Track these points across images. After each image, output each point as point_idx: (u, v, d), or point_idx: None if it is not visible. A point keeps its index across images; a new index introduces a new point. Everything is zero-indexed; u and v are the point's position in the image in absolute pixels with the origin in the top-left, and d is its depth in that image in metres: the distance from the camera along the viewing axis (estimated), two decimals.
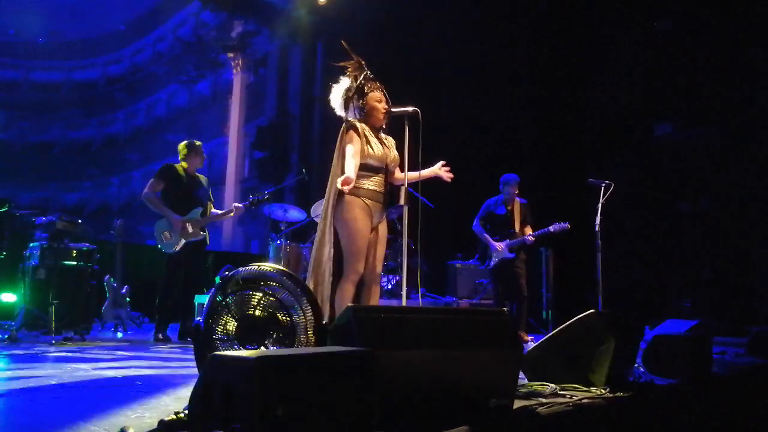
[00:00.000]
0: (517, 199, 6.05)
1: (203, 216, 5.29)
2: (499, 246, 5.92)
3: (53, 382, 2.79)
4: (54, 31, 18.41)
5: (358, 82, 3.54)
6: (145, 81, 20.34)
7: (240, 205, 5.45)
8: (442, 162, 3.71)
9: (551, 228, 5.80)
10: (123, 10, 18.72)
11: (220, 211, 5.59)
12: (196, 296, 5.87)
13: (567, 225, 5.76)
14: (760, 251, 6.77)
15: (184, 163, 5.36)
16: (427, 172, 3.66)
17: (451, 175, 3.69)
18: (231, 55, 16.82)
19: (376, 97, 3.56)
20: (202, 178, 5.53)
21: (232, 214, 5.47)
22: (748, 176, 6.95)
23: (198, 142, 5.48)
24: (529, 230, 5.92)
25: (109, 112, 20.90)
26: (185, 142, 5.46)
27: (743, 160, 7.02)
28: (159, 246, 5.21)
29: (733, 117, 7.12)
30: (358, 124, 3.49)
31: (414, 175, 3.59)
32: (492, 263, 5.99)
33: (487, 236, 6.02)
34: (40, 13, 17.10)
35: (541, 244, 6.76)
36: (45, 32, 18.25)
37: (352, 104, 3.56)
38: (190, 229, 5.18)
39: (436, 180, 3.76)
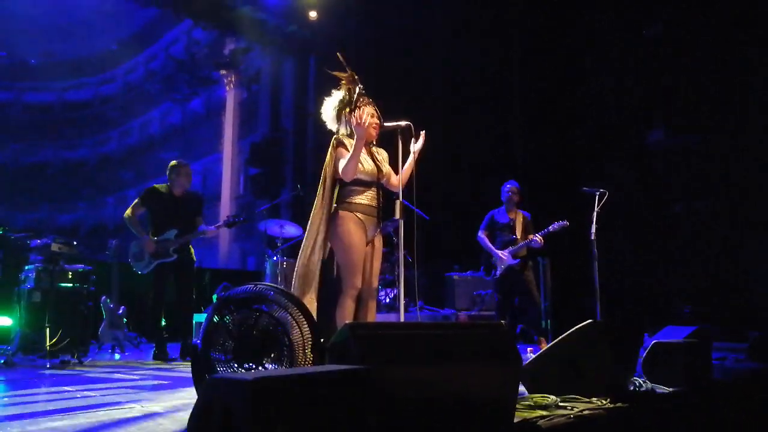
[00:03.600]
0: (520, 212, 6.12)
1: (178, 237, 5.30)
2: (503, 254, 5.96)
3: (50, 408, 2.76)
4: (46, 52, 18.42)
5: (351, 95, 3.55)
6: (138, 100, 20.35)
7: (212, 227, 5.47)
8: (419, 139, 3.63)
9: (551, 228, 5.85)
10: (114, 29, 18.77)
11: (196, 232, 5.42)
12: (195, 315, 5.87)
13: (566, 222, 5.81)
14: (757, 255, 6.78)
15: (168, 184, 5.41)
16: (411, 158, 3.61)
17: (422, 134, 3.63)
18: (223, 72, 16.86)
19: (367, 113, 3.56)
20: (195, 196, 5.56)
21: (203, 234, 5.44)
22: (742, 180, 6.98)
23: (179, 162, 5.48)
24: (532, 236, 5.94)
25: (102, 131, 20.87)
26: (172, 162, 5.50)
27: (737, 164, 7.05)
28: (132, 267, 5.36)
29: (725, 122, 7.16)
30: (346, 141, 3.50)
31: (406, 171, 3.59)
32: (497, 273, 6.02)
33: (491, 245, 6.07)
34: (32, 35, 17.12)
35: (538, 254, 6.77)
36: (37, 53, 18.26)
37: (344, 117, 3.57)
38: (160, 250, 5.25)
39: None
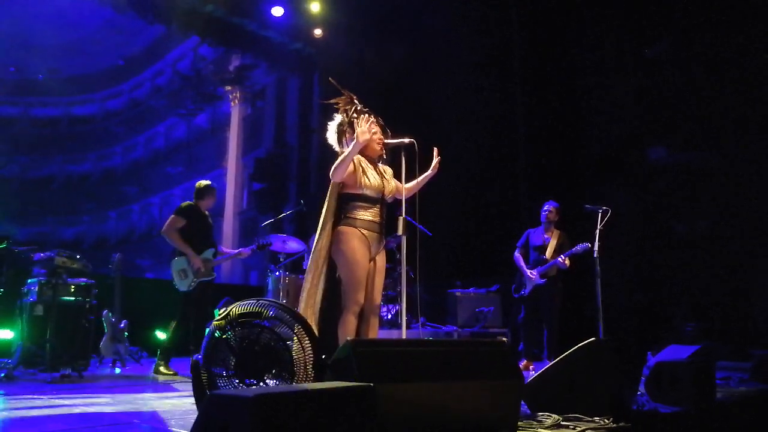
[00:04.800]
0: (558, 231, 6.15)
1: (215, 256, 5.42)
2: (531, 273, 6.00)
3: (49, 423, 2.75)
4: (53, 68, 18.62)
5: (350, 116, 3.58)
6: (143, 115, 20.51)
7: (246, 249, 5.72)
8: (437, 160, 3.71)
9: (574, 250, 5.84)
10: (121, 46, 18.97)
11: (229, 253, 5.73)
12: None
13: (588, 245, 5.79)
14: (760, 273, 6.75)
15: (195, 203, 5.47)
16: (423, 177, 3.68)
17: (438, 160, 3.71)
18: (229, 88, 17.01)
19: (370, 122, 3.58)
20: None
21: (239, 256, 5.67)
22: (744, 199, 6.96)
23: (210, 184, 5.65)
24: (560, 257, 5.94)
25: (107, 146, 21.02)
26: (204, 182, 5.63)
27: (739, 182, 7.04)
28: (174, 284, 5.27)
29: (728, 140, 7.16)
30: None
31: (411, 187, 3.64)
32: (526, 291, 6.08)
33: (523, 265, 6.14)
34: (40, 51, 17.32)
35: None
36: (44, 69, 18.46)
37: (345, 138, 3.60)
38: (204, 269, 5.28)
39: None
